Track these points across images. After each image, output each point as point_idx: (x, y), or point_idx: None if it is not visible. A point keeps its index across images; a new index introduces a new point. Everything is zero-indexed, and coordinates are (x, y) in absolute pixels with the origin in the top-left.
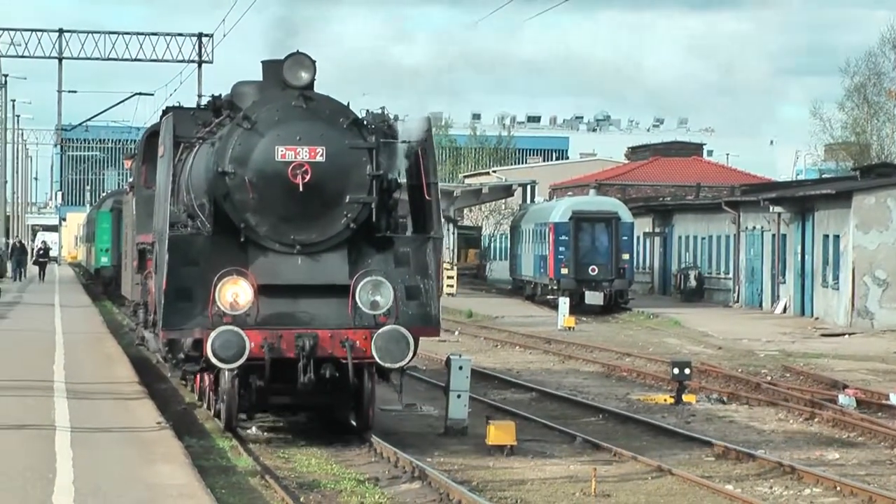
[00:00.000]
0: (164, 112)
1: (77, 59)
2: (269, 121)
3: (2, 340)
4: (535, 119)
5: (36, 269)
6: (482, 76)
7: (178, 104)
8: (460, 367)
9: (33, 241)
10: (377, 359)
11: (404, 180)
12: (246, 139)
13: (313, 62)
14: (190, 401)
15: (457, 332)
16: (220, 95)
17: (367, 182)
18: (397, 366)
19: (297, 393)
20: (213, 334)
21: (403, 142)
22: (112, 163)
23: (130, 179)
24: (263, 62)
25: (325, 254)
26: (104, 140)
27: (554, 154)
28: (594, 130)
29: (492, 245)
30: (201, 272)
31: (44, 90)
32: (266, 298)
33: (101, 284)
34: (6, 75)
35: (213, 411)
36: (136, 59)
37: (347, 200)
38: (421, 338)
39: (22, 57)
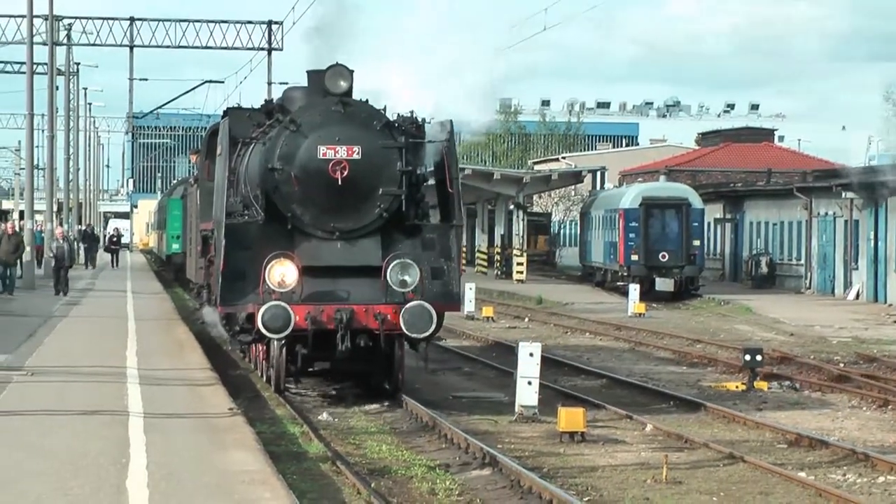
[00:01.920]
0: (224, 113)
1: (148, 47)
2: (312, 124)
3: (75, 327)
4: (604, 105)
5: (108, 256)
6: (550, 63)
7: (237, 105)
8: (530, 354)
9: (105, 228)
10: (405, 330)
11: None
12: (292, 140)
13: (351, 72)
14: (260, 386)
15: (527, 319)
16: (273, 100)
17: (398, 177)
18: (422, 336)
19: (336, 360)
20: (263, 309)
21: (429, 141)
22: (183, 150)
23: (195, 172)
24: (308, 72)
25: (361, 239)
26: (175, 127)
27: (624, 140)
28: (664, 116)
29: (561, 231)
30: (253, 255)
31: (115, 78)
32: (309, 278)
33: (172, 271)
34: (78, 64)
35: (264, 377)
36: (206, 47)
37: (380, 193)
38: (456, 314)
39: (93, 45)
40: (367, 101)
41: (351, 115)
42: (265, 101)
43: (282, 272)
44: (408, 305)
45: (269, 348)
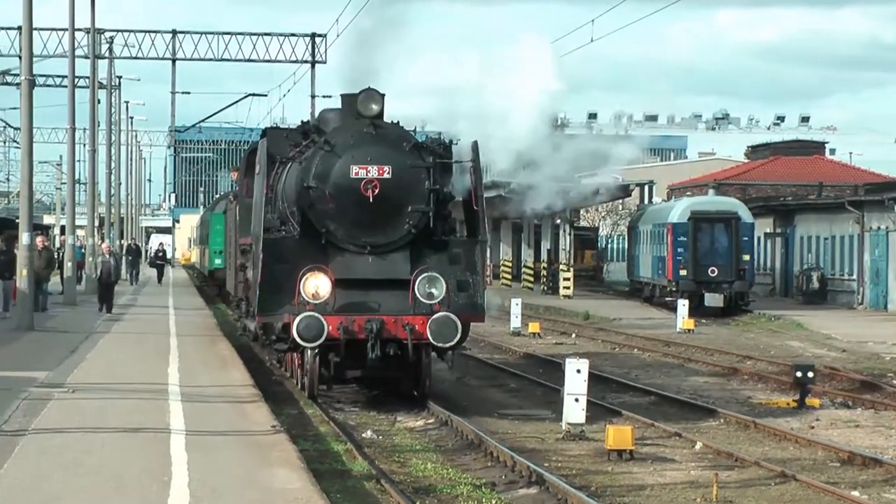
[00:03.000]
0: (263, 133)
1: (190, 59)
2: (345, 145)
3: (117, 344)
4: (652, 118)
5: (152, 271)
6: (598, 74)
7: (277, 123)
8: (578, 370)
9: (147, 243)
10: (432, 339)
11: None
12: (326, 160)
13: (382, 96)
14: (304, 403)
15: (574, 335)
16: (308, 122)
17: (426, 195)
18: (448, 346)
19: (367, 367)
20: (297, 319)
21: (456, 161)
22: (225, 164)
23: (236, 189)
24: (342, 95)
25: (391, 254)
26: (217, 141)
27: (672, 153)
28: (713, 129)
29: (609, 246)
30: (289, 268)
31: (157, 92)
32: (342, 290)
33: (214, 286)
34: (120, 77)
35: (299, 385)
36: (248, 60)
37: (409, 210)
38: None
39: (135, 58)
40: (397, 122)
41: (382, 137)
42: (301, 122)
43: (316, 284)
44: (435, 316)
45: (304, 357)
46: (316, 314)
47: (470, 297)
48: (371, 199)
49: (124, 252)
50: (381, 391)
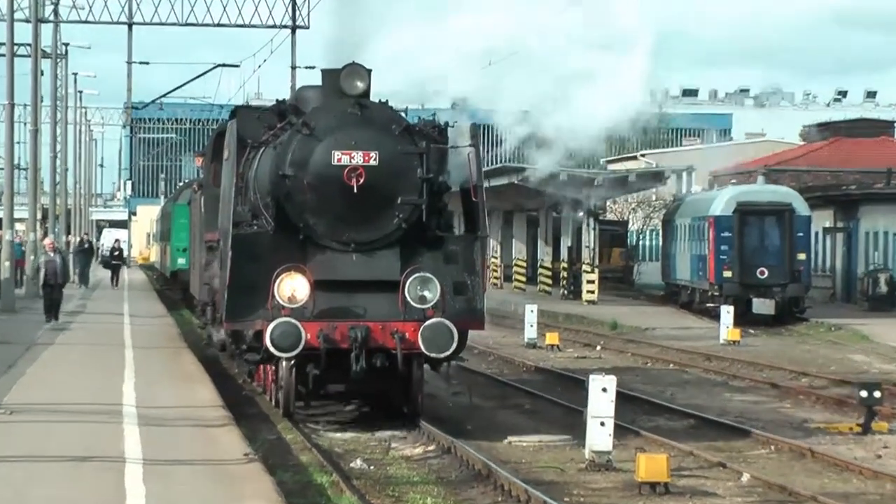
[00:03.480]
0: (232, 113)
1: (150, 24)
2: (326, 127)
3: (63, 357)
4: (691, 93)
5: (104, 272)
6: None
7: (247, 103)
8: (604, 389)
9: (98, 239)
10: (424, 349)
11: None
12: (305, 144)
13: (368, 72)
14: (282, 427)
15: (598, 347)
16: (285, 100)
17: (418, 185)
18: (443, 356)
19: (351, 381)
20: (271, 325)
21: (453, 147)
22: (191, 147)
23: (201, 177)
24: (323, 71)
25: (379, 251)
26: (181, 120)
27: (715, 134)
28: (762, 106)
29: (640, 243)
30: (262, 268)
31: (111, 62)
32: (322, 293)
33: (178, 290)
34: (66, 44)
35: (273, 401)
36: (218, 25)
37: (399, 202)
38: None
39: (85, 22)
40: (386, 102)
41: (368, 119)
42: (277, 101)
43: (292, 286)
44: (427, 323)
45: (279, 369)
46: (292, 320)
47: (468, 301)
48: (355, 190)
49: (74, 250)
50: (367, 406)
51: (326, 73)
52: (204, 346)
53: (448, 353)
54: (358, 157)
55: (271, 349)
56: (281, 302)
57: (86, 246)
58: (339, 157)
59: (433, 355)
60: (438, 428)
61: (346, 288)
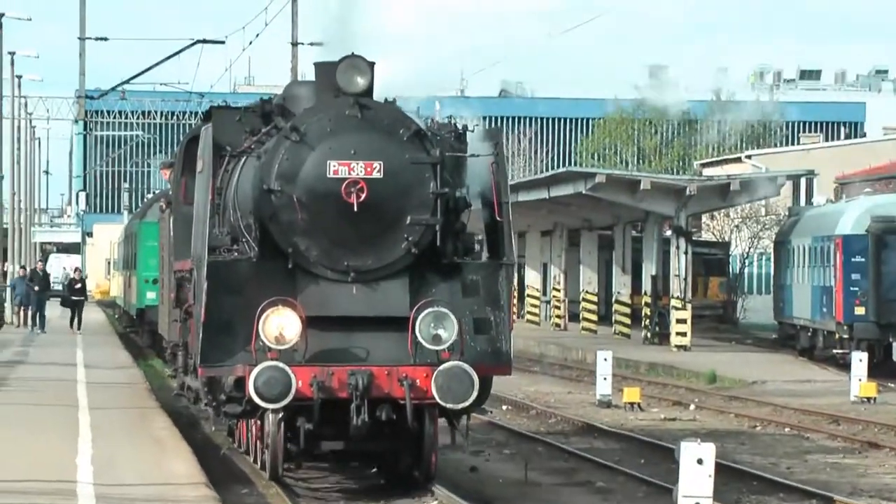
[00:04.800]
0: (207, 115)
1: None
2: (320, 132)
3: (0, 420)
4: (811, 75)
5: (61, 310)
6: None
7: (224, 103)
8: (699, 461)
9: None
10: (438, 399)
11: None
12: (294, 153)
13: (371, 65)
14: (272, 494)
15: (692, 406)
16: (271, 98)
17: (431, 201)
18: (460, 406)
19: (351, 438)
20: (255, 371)
21: (472, 155)
22: (162, 147)
23: (169, 192)
24: (316, 64)
25: (383, 282)
26: (150, 113)
27: (842, 129)
28: None
29: (745, 271)
30: (244, 302)
31: (58, 38)
32: (316, 331)
33: (146, 333)
34: (1, 15)
35: (258, 463)
36: None
37: (408, 222)
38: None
39: None
40: (393, 101)
41: (370, 121)
42: (261, 100)
43: (280, 324)
44: (442, 367)
45: (264, 423)
46: (280, 365)
47: (491, 341)
48: (355, 208)
49: (14, 281)
50: (370, 469)
51: (320, 67)
52: (174, 396)
53: (467, 403)
54: (358, 169)
55: (255, 399)
56: (267, 343)
57: (39, 276)
58: (336, 169)
59: (449, 406)
60: None
61: (344, 326)
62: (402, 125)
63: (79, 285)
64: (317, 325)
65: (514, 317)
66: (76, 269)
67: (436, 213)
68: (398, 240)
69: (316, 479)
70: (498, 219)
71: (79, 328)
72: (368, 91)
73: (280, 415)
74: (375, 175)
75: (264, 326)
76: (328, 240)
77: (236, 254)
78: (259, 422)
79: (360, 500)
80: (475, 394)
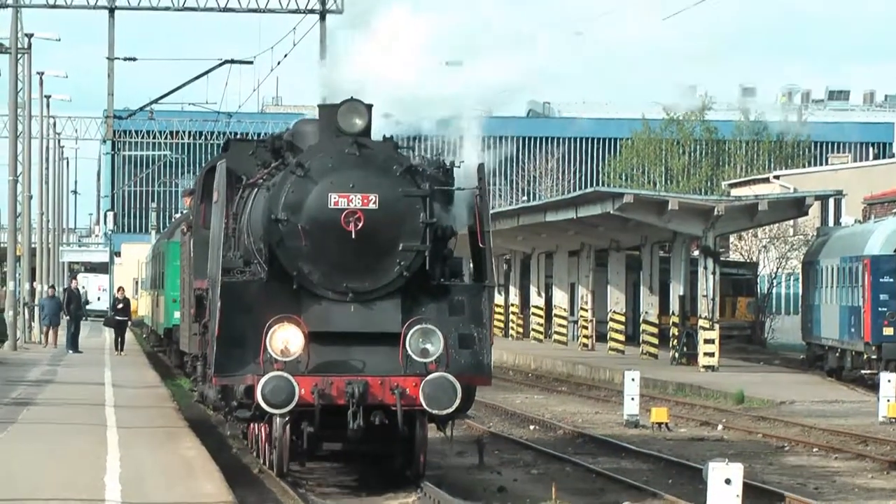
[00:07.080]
0: (224, 147)
1: (137, 9)
2: (322, 168)
3: (28, 439)
4: (840, 95)
5: (108, 332)
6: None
7: (238, 135)
8: (727, 481)
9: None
10: (425, 405)
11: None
12: (299, 186)
13: (368, 108)
14: (279, 490)
15: (720, 427)
16: (281, 134)
17: (421, 230)
18: (445, 413)
19: (348, 440)
20: (263, 380)
21: (458, 189)
22: (190, 167)
23: (189, 218)
24: (320, 107)
25: (378, 302)
26: (177, 133)
27: (871, 149)
28: None
29: (773, 291)
30: (254, 319)
31: (87, 58)
32: (317, 345)
33: (173, 352)
34: (31, 35)
35: (266, 463)
36: (226, 9)
37: (401, 248)
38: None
39: (54, 7)
40: (391, 138)
41: (367, 159)
42: (271, 136)
43: (285, 338)
44: (429, 378)
45: (272, 427)
46: (285, 374)
47: (474, 355)
48: (353, 235)
49: (43, 301)
50: (367, 467)
51: (323, 109)
52: (194, 403)
53: (450, 409)
54: (356, 201)
55: (263, 405)
56: (273, 355)
57: (75, 294)
58: (336, 201)
59: (435, 412)
60: None
61: (342, 340)
62: (396, 162)
63: (121, 305)
64: (318, 340)
65: (543, 337)
66: (120, 289)
67: (425, 240)
68: (392, 264)
69: (318, 476)
70: (481, 245)
71: (121, 350)
72: (366, 131)
73: (285, 419)
74: (371, 206)
75: (271, 340)
76: (329, 264)
77: (249, 275)
78: (267, 425)
79: (356, 494)
80: (458, 401)
